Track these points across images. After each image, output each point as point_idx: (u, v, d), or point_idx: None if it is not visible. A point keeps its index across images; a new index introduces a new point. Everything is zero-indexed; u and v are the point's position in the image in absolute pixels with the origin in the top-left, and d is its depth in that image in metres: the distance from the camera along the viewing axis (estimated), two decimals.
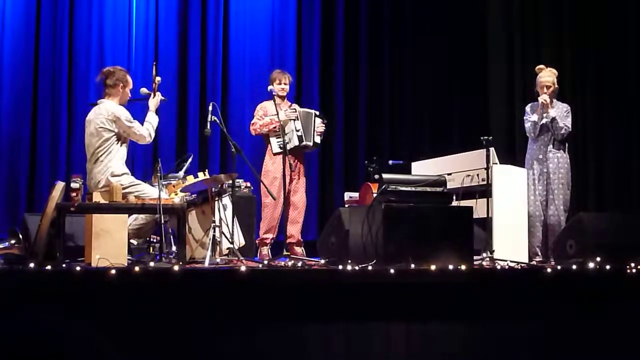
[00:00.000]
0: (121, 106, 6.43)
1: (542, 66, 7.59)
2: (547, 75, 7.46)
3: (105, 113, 6.30)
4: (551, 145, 7.38)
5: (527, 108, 7.60)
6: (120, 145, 6.37)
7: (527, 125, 7.48)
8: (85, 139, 6.42)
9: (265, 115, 7.73)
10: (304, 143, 7.72)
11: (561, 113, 7.42)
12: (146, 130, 6.48)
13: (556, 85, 7.48)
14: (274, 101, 7.25)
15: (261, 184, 7.39)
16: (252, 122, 7.80)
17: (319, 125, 7.87)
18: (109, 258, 5.46)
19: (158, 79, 6.74)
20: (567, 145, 7.47)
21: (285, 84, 7.84)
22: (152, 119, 6.60)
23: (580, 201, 10.15)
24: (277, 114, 7.28)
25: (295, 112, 7.75)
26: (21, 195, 9.09)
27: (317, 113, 7.96)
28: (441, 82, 10.81)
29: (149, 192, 6.30)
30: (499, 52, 10.79)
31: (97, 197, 6.10)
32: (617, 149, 10.44)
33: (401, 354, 5.27)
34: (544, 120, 7.36)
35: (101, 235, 5.89)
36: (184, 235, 6.01)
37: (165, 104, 7.18)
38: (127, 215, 6.18)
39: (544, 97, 7.37)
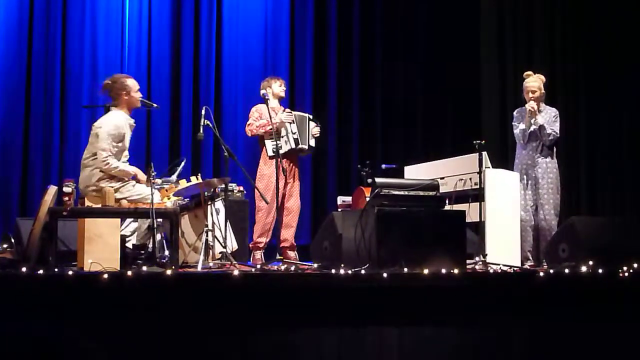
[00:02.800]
0: (120, 118, 6.35)
1: (529, 72, 7.66)
2: (533, 81, 7.52)
3: (100, 121, 6.32)
4: (540, 151, 7.43)
5: (515, 113, 7.66)
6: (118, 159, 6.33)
7: (516, 131, 7.53)
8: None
9: (260, 117, 7.74)
10: (300, 146, 7.75)
11: (549, 118, 7.46)
12: (109, 159, 6.22)
13: (542, 91, 7.53)
14: (277, 103, 7.31)
15: (257, 186, 7.41)
16: (248, 122, 7.81)
17: (313, 128, 7.91)
18: (102, 262, 5.46)
19: (154, 175, 6.45)
20: (555, 150, 7.50)
21: (284, 84, 7.95)
22: (128, 170, 6.36)
23: (572, 205, 10.17)
24: (272, 117, 7.32)
25: (291, 115, 7.79)
26: (13, 200, 9.05)
27: (311, 117, 8.00)
28: (434, 85, 10.82)
29: (140, 191, 6.29)
30: (491, 53, 10.80)
31: (89, 202, 6.10)
32: (609, 151, 10.46)
33: (394, 358, 5.27)
34: (532, 128, 7.40)
35: (94, 239, 5.88)
36: (177, 240, 5.99)
37: (157, 109, 7.21)
38: (119, 219, 6.17)
39: (530, 105, 7.41)
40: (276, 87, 7.87)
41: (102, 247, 5.87)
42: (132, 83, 6.51)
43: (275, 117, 7.54)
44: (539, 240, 7.36)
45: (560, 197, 7.50)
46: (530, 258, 7.31)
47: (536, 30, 10.74)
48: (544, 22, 10.74)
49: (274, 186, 7.44)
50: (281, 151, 7.57)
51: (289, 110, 7.94)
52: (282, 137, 7.66)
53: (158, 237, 6.56)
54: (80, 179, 6.32)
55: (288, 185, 7.73)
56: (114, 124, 6.28)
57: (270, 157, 7.68)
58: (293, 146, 7.72)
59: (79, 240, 6.08)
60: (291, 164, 7.80)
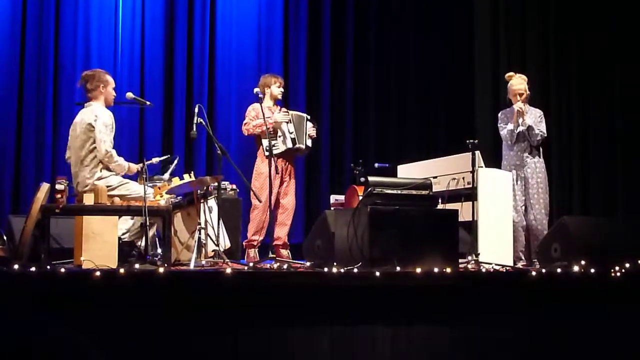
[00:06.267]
0: (107, 111, 6.37)
1: (511, 73, 7.70)
2: (519, 83, 7.55)
3: (90, 114, 6.28)
4: (528, 152, 7.46)
5: (500, 115, 7.68)
6: None
7: (503, 132, 7.54)
8: (70, 142, 6.39)
9: (257, 117, 7.72)
10: (297, 145, 7.72)
11: (535, 119, 7.50)
12: (113, 152, 6.29)
13: (528, 92, 7.55)
14: (272, 102, 7.30)
15: (254, 184, 7.41)
16: (244, 122, 7.79)
17: (310, 129, 7.89)
18: (100, 260, 5.44)
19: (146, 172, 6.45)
20: (541, 150, 7.53)
21: (283, 86, 7.91)
22: (124, 166, 6.42)
23: (565, 204, 10.19)
24: (271, 116, 7.33)
25: (288, 114, 7.78)
26: (6, 197, 9.04)
27: (309, 117, 7.98)
28: (427, 85, 10.84)
29: (136, 189, 6.29)
30: (485, 54, 10.82)
31: (88, 199, 6.08)
32: (601, 152, 10.47)
33: (386, 357, 5.27)
34: (520, 128, 7.42)
35: (91, 237, 5.87)
36: (170, 238, 5.99)
37: (151, 107, 7.20)
38: (117, 217, 6.16)
39: (519, 105, 7.43)
40: (275, 89, 7.81)
41: (100, 245, 5.86)
42: (110, 79, 6.53)
43: (272, 116, 7.54)
44: (530, 240, 7.38)
45: (550, 196, 7.53)
46: (523, 258, 7.32)
47: (529, 30, 10.75)
48: (537, 22, 10.76)
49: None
50: (277, 151, 7.57)
51: (285, 109, 7.92)
52: (279, 136, 7.64)
53: (150, 234, 6.56)
54: (78, 179, 6.28)
55: (284, 184, 7.70)
56: (108, 114, 6.31)
57: (267, 156, 7.67)
58: (290, 146, 7.69)
59: (76, 238, 6.07)
60: (287, 163, 7.76)
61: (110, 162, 6.28)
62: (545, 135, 7.52)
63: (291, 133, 7.72)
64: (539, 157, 7.50)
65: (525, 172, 7.42)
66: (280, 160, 7.63)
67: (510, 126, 7.46)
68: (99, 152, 6.24)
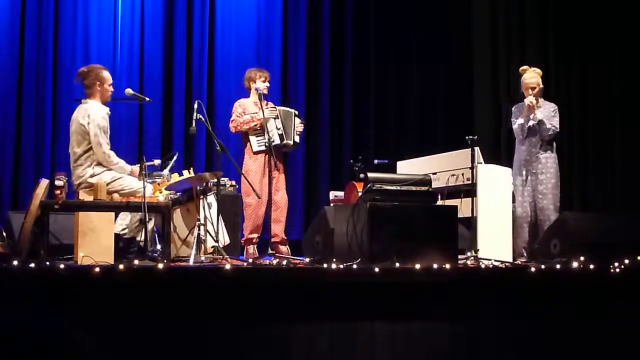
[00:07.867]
0: (102, 110, 6.32)
1: (525, 67, 7.60)
2: (531, 77, 7.46)
3: (84, 113, 6.26)
4: (539, 147, 7.37)
5: (513, 109, 7.60)
6: None
7: (515, 127, 7.45)
8: (70, 137, 6.39)
9: (244, 113, 7.71)
10: (285, 142, 7.71)
11: (548, 114, 7.41)
12: (111, 154, 6.27)
13: (541, 85, 7.48)
14: (259, 98, 7.25)
15: (244, 182, 7.39)
16: (231, 119, 7.78)
17: (298, 124, 7.88)
18: (96, 256, 5.44)
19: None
20: (554, 145, 7.46)
21: (268, 81, 7.84)
22: (123, 168, 6.39)
23: (564, 201, 10.19)
24: (258, 112, 7.29)
25: (276, 110, 7.76)
26: (5, 193, 9.03)
27: (297, 113, 7.96)
28: (427, 82, 10.83)
29: (132, 184, 6.28)
30: (484, 51, 10.82)
31: (85, 196, 6.08)
32: (601, 149, 10.48)
33: (385, 353, 5.27)
34: (531, 123, 7.35)
35: (87, 233, 5.87)
36: (169, 234, 5.99)
37: (150, 103, 7.20)
38: (113, 213, 6.16)
39: (529, 99, 7.36)
40: (260, 84, 7.76)
41: (95, 241, 5.86)
42: (106, 75, 6.46)
43: (259, 113, 7.50)
44: (539, 236, 7.32)
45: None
46: (525, 254, 7.29)
47: (529, 30, 10.75)
48: (536, 22, 10.75)
49: (259, 181, 7.46)
50: (263, 148, 7.54)
51: (272, 105, 7.89)
52: (267, 132, 7.57)
53: (150, 230, 6.56)
54: (73, 175, 6.29)
55: (274, 180, 7.65)
56: (102, 116, 6.26)
57: (255, 152, 7.66)
58: (278, 142, 7.66)
59: (76, 234, 6.07)
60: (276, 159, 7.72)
61: (109, 165, 6.27)
62: (558, 129, 7.41)
63: (279, 129, 7.70)
64: (551, 152, 7.39)
65: (536, 167, 7.35)
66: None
67: (520, 121, 7.39)
68: (96, 155, 6.24)
